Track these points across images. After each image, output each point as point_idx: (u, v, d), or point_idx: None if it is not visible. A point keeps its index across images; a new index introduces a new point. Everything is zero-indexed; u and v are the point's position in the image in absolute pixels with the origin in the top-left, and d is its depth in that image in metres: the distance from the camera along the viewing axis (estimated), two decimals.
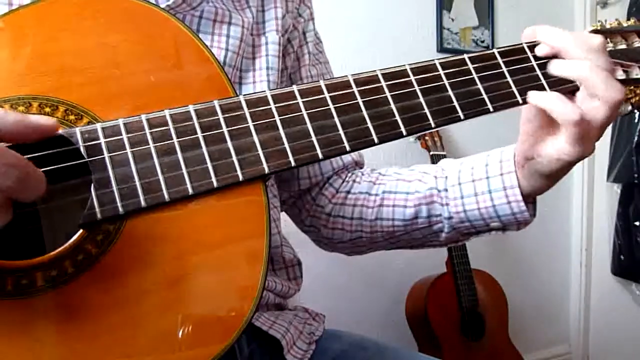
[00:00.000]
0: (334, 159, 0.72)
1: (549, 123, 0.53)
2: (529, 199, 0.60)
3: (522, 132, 0.56)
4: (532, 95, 0.52)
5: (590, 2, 2.14)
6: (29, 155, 0.38)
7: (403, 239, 0.68)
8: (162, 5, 0.57)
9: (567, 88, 0.53)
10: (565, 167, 0.53)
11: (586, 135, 0.50)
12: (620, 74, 0.55)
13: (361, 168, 0.77)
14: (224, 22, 0.64)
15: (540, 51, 0.54)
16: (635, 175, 1.86)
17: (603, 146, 2.07)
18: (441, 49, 1.90)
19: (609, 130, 2.00)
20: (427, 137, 1.74)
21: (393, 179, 0.69)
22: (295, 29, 0.72)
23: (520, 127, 0.56)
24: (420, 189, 0.65)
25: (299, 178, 0.72)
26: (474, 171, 0.62)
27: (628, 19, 0.59)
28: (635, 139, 1.86)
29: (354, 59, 1.74)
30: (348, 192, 0.71)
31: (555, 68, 0.52)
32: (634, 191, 1.91)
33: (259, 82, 0.66)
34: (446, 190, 0.64)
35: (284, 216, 0.77)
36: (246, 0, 0.68)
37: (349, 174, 0.74)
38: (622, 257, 1.97)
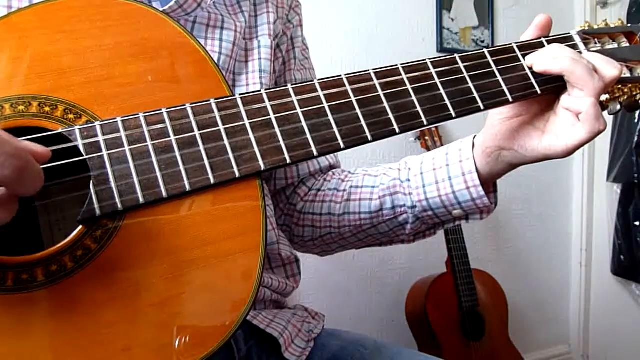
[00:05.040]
0: (311, 163, 0.74)
1: (539, 118, 0.55)
2: (490, 186, 0.62)
3: (505, 122, 0.57)
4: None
5: (590, 2, 2.14)
6: None
7: (371, 234, 0.70)
8: None
9: (556, 86, 0.54)
10: (539, 161, 0.56)
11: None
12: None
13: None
14: (217, 27, 0.65)
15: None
16: (635, 175, 1.86)
17: (603, 146, 2.07)
18: (441, 49, 1.91)
19: (609, 131, 2.01)
20: (427, 137, 1.74)
21: (360, 175, 0.71)
22: (285, 34, 0.74)
23: (505, 119, 0.57)
24: (385, 181, 0.67)
25: (275, 178, 0.74)
26: (435, 161, 0.64)
27: (628, 19, 0.60)
28: (635, 139, 1.86)
29: (353, 59, 1.75)
30: (318, 189, 0.73)
31: (538, 63, 0.54)
32: (634, 191, 1.91)
33: (252, 84, 0.67)
34: (409, 180, 0.65)
35: None
36: (239, 6, 0.69)
37: (323, 175, 0.76)
38: (622, 257, 1.97)
